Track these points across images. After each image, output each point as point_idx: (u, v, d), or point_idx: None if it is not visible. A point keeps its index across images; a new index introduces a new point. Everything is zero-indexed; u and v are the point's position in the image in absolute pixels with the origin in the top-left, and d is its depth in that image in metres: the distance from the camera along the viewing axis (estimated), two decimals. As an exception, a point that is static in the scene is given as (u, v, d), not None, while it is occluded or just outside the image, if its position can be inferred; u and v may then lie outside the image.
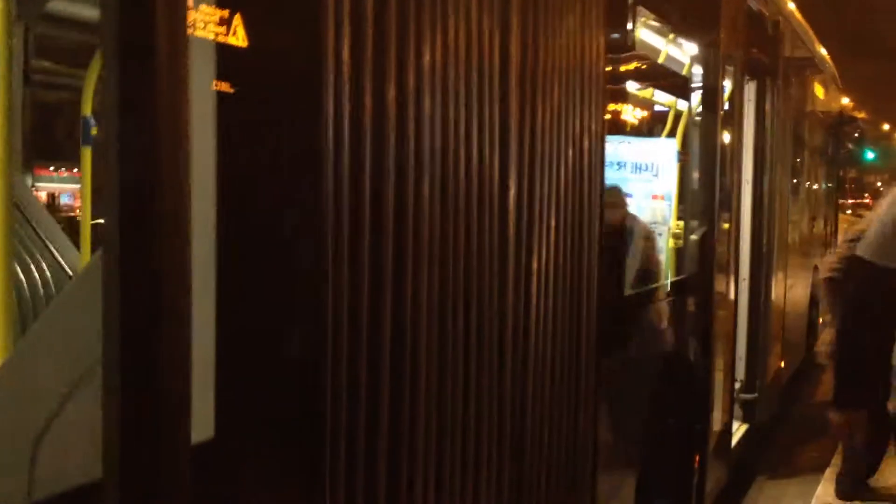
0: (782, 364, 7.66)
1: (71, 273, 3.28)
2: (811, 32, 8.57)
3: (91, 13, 3.67)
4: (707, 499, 5.09)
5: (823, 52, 9.54)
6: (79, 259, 3.32)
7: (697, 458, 4.98)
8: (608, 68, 3.49)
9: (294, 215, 1.90)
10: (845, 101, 15.34)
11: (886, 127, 59.83)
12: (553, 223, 2.99)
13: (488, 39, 2.50)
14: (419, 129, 2.20)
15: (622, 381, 3.90)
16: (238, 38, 1.72)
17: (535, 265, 2.87)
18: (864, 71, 35.85)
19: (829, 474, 6.11)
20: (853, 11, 33.83)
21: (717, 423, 5.34)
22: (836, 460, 6.35)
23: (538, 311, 2.91)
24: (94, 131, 3.39)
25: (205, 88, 1.65)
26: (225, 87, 1.69)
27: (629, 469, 4.08)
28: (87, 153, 3.35)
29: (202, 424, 1.65)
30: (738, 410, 6.27)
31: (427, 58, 2.21)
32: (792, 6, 7.57)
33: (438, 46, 2.25)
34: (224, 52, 1.69)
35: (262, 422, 1.84)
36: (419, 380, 2.25)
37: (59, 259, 3.33)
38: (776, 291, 7.06)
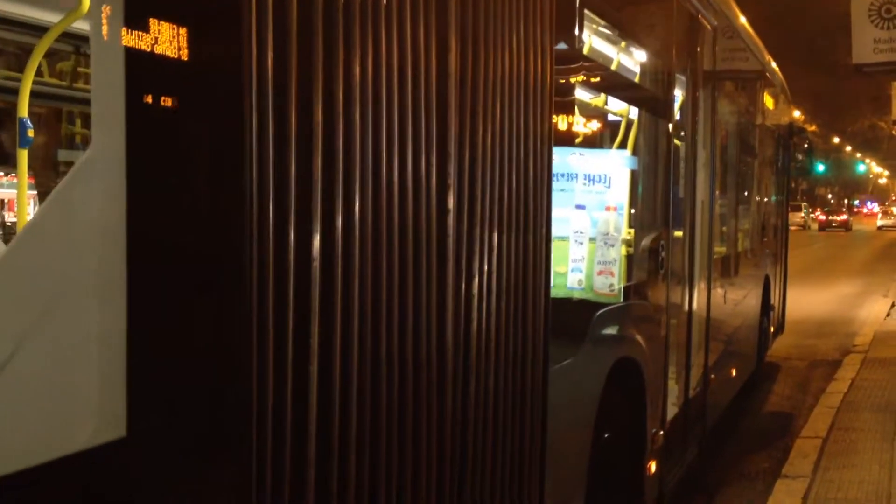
0: (733, 373, 7.69)
1: None
2: (761, 45, 8.67)
3: (29, 13, 3.59)
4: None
5: (773, 65, 9.65)
6: None
7: (653, 463, 5.00)
8: (556, 79, 3.47)
9: (214, 230, 1.87)
10: (796, 114, 15.54)
11: (837, 140, 61.02)
12: (496, 236, 2.95)
13: (424, 50, 2.46)
14: (349, 144, 2.15)
15: (568, 388, 3.88)
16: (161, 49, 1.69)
17: (476, 279, 2.83)
18: (816, 85, 36.40)
19: (780, 485, 6.13)
20: (805, 26, 34.36)
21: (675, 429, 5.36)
22: (787, 470, 6.38)
23: (481, 325, 2.87)
24: (30, 133, 3.29)
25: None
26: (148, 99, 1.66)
27: (579, 473, 4.07)
28: (23, 156, 3.25)
29: (113, 424, 1.63)
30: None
31: (357, 71, 2.16)
32: (743, 20, 7.65)
33: (370, 59, 2.21)
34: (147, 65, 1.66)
35: (179, 422, 1.81)
36: (350, 390, 2.21)
37: None
38: (722, 301, 7.09)
